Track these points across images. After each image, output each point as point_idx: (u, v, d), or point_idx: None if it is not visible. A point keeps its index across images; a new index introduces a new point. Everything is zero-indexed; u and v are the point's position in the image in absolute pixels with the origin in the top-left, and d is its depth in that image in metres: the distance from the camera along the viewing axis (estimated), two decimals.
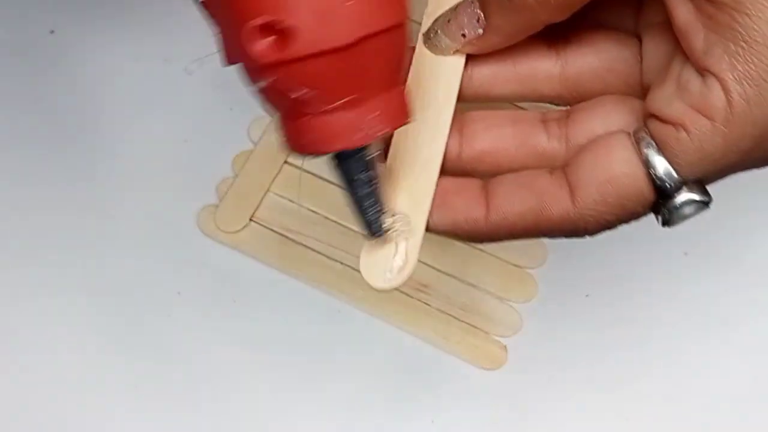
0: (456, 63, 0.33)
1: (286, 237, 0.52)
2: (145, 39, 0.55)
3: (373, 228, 0.32)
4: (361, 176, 0.31)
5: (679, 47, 0.30)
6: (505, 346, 0.51)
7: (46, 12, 0.55)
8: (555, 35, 0.33)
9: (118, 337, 0.51)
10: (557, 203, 0.30)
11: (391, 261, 0.32)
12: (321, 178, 0.53)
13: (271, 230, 0.52)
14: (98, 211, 0.52)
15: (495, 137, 0.33)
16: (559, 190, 0.30)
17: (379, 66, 0.29)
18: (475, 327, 0.51)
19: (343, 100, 0.28)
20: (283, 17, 0.27)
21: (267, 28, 0.27)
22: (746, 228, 0.52)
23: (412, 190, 0.32)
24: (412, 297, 0.51)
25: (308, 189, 0.53)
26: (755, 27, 0.27)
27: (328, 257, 0.52)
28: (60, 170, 0.53)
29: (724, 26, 0.27)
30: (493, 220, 0.31)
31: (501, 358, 0.51)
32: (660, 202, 0.30)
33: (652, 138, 0.29)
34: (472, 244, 0.52)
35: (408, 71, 0.34)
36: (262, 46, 0.28)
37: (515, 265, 0.52)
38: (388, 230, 0.32)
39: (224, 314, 0.51)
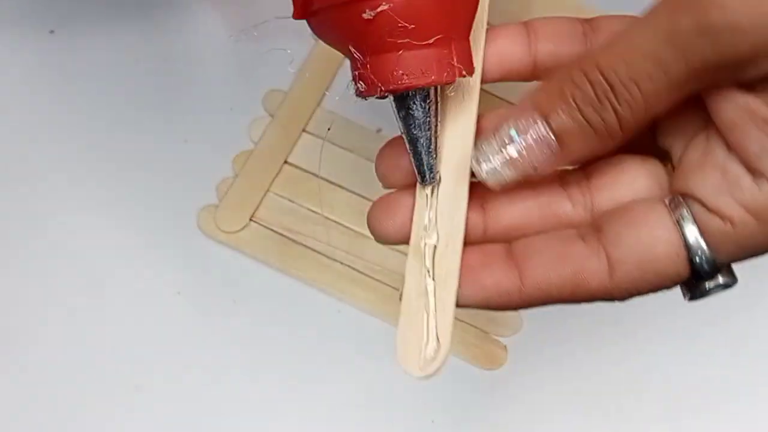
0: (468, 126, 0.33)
1: (286, 237, 0.52)
2: (145, 39, 0.55)
3: (429, 174, 0.32)
4: (427, 119, 0.31)
5: (710, 127, 0.30)
6: (505, 346, 0.51)
7: (46, 12, 0.55)
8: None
9: (119, 336, 0.51)
10: (595, 276, 0.30)
11: (424, 348, 0.31)
12: (321, 177, 0.53)
13: (271, 230, 0.52)
14: (98, 211, 0.52)
15: (519, 211, 0.32)
16: (597, 263, 0.30)
17: (466, 11, 0.31)
18: (475, 327, 0.51)
19: (436, 37, 0.30)
20: None
21: None
22: None
23: (437, 268, 0.32)
24: None
25: (308, 188, 0.53)
26: None
27: (328, 257, 0.52)
28: (59, 169, 0.53)
29: None
30: (528, 293, 0.30)
31: (501, 358, 0.51)
32: (692, 281, 0.30)
33: (696, 222, 0.30)
34: None
35: None
36: None
37: None
38: (437, 179, 0.32)
39: (224, 314, 0.51)
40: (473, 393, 0.50)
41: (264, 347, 0.51)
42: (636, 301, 0.54)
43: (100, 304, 0.51)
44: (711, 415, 0.50)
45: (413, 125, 0.31)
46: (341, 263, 0.52)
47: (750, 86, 0.28)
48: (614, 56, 0.29)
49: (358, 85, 0.31)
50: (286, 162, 0.53)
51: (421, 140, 0.31)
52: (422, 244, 0.32)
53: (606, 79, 0.28)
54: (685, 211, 0.30)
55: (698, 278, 0.30)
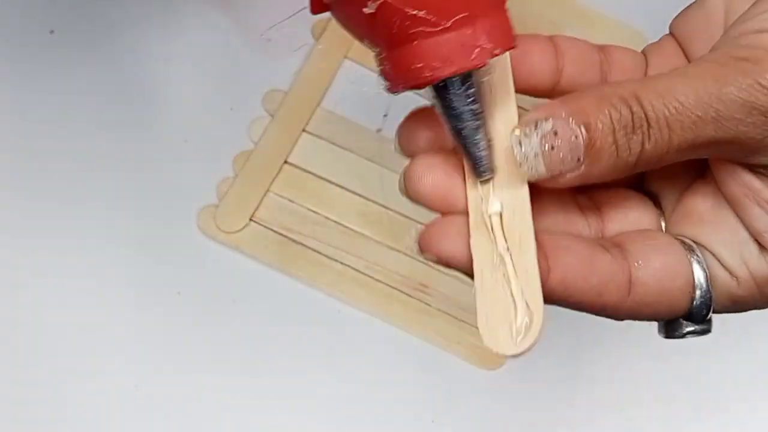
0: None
1: (286, 237, 0.52)
2: (145, 39, 0.55)
3: (482, 164, 0.30)
4: (469, 107, 0.29)
5: (709, 181, 0.31)
6: None
7: (46, 12, 0.55)
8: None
9: (119, 336, 0.51)
10: (615, 291, 0.30)
11: (514, 322, 0.29)
12: (321, 178, 0.53)
13: (271, 230, 0.52)
14: (98, 211, 0.52)
15: (544, 219, 0.32)
16: (621, 278, 0.30)
17: None
18: (475, 327, 0.51)
19: (454, 19, 0.27)
20: None
21: None
22: None
23: (509, 235, 0.30)
24: (412, 297, 0.51)
25: (308, 189, 0.53)
26: None
27: (328, 257, 0.52)
28: (60, 169, 0.53)
29: None
30: (552, 287, 0.30)
31: (501, 358, 0.51)
32: (676, 320, 0.31)
33: (706, 269, 0.31)
34: None
35: None
36: None
37: None
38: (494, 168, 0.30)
39: (224, 314, 0.51)
40: (473, 393, 0.50)
41: (264, 347, 0.51)
42: None
43: (100, 303, 0.51)
44: (711, 415, 0.50)
45: (451, 117, 0.29)
46: (341, 263, 0.52)
47: (754, 167, 0.29)
48: (655, 94, 0.29)
49: (384, 82, 0.29)
50: (286, 162, 0.53)
51: (464, 132, 0.30)
52: (485, 216, 0.30)
53: (644, 112, 0.28)
54: (698, 255, 0.31)
55: (687, 318, 0.31)
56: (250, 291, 0.52)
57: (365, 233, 0.52)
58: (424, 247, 0.30)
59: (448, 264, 0.30)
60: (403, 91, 0.29)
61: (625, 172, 0.30)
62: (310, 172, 0.53)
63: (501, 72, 0.31)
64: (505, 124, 0.30)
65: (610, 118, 0.29)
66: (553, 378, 0.51)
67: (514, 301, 0.29)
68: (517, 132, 0.28)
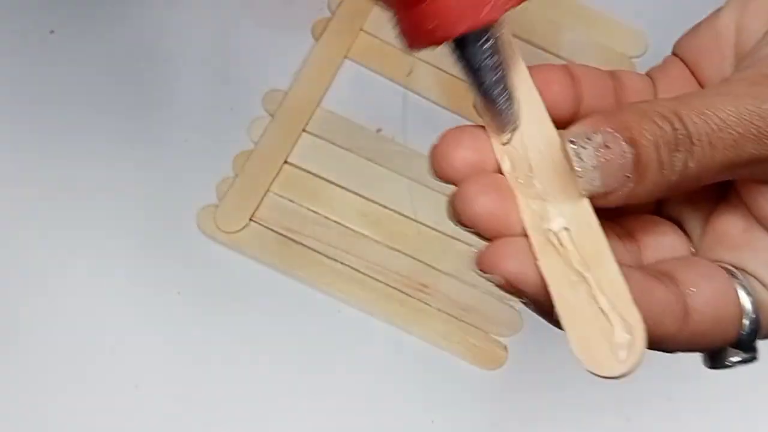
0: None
1: (286, 237, 0.52)
2: (146, 39, 0.55)
3: (504, 118, 0.30)
4: (488, 62, 0.29)
5: (736, 203, 0.31)
6: (505, 346, 0.51)
7: (46, 12, 0.55)
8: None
9: (119, 336, 0.51)
10: (673, 322, 0.29)
11: (613, 337, 0.27)
12: (321, 178, 0.53)
13: (271, 230, 0.52)
14: (98, 211, 0.52)
15: None
16: (678, 310, 0.29)
17: None
18: (475, 327, 0.51)
19: None
20: None
21: None
22: None
23: (581, 251, 0.28)
24: (412, 297, 0.51)
25: (308, 189, 0.53)
26: None
27: (328, 257, 0.52)
28: (60, 169, 0.53)
29: None
30: None
31: (501, 358, 0.51)
32: (723, 349, 0.31)
33: (751, 294, 0.30)
34: (473, 244, 0.52)
35: None
36: None
37: None
38: (517, 122, 0.29)
39: (224, 314, 0.51)
40: (473, 393, 0.50)
41: (264, 347, 0.51)
42: None
43: (100, 303, 0.51)
44: (712, 415, 0.50)
45: (471, 72, 0.29)
46: (341, 263, 0.52)
47: None
48: (695, 111, 0.28)
49: (402, 41, 0.28)
50: (286, 162, 0.53)
51: (486, 85, 0.29)
52: (549, 236, 0.28)
53: (687, 129, 0.28)
54: (741, 280, 0.30)
55: (735, 346, 0.30)
56: (250, 291, 0.52)
57: (365, 233, 0.52)
58: (487, 269, 0.28)
59: (516, 286, 0.28)
60: (421, 50, 0.28)
61: (664, 193, 0.29)
62: (310, 172, 0.53)
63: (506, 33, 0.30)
64: (520, 77, 0.30)
65: (654, 134, 0.28)
66: (553, 378, 0.51)
67: (606, 317, 0.27)
68: (573, 144, 0.27)
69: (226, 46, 0.55)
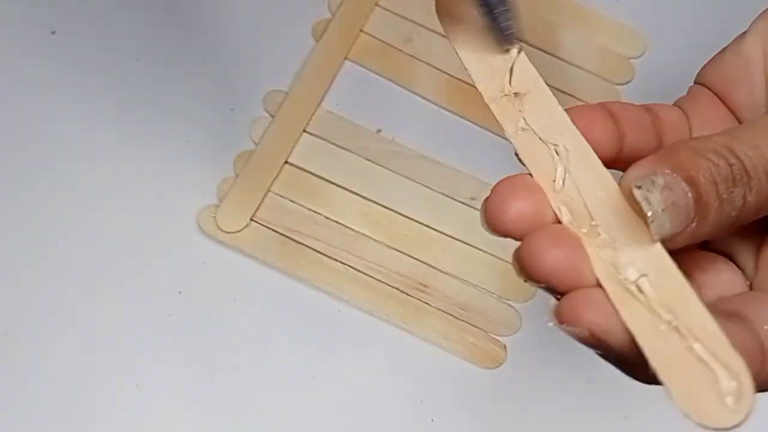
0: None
1: (287, 237, 0.52)
2: (146, 39, 0.55)
3: (506, 35, 0.30)
4: None
5: None
6: (505, 346, 0.51)
7: (47, 12, 0.55)
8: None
9: (119, 336, 0.51)
10: (752, 363, 0.27)
11: (719, 385, 0.26)
12: (321, 178, 0.53)
13: (272, 230, 0.52)
14: (98, 211, 0.52)
15: None
16: (755, 350, 0.28)
17: None
18: (475, 327, 0.51)
19: None
20: None
21: None
22: None
23: (661, 298, 0.27)
24: (412, 297, 0.51)
25: (309, 189, 0.53)
26: None
27: (328, 257, 0.52)
28: (60, 169, 0.53)
29: None
30: None
31: (501, 358, 0.51)
32: None
33: None
34: (472, 244, 0.52)
35: None
36: None
37: None
38: (519, 38, 0.29)
39: (224, 314, 0.51)
40: (473, 393, 0.50)
41: (264, 347, 0.51)
42: None
43: (101, 303, 0.51)
44: None
45: None
46: (341, 263, 0.52)
47: None
48: (747, 145, 0.28)
49: None
50: (286, 162, 0.53)
51: (494, 1, 0.29)
52: (627, 286, 0.27)
53: (742, 163, 0.27)
54: None
55: None
56: (251, 291, 0.52)
57: (365, 233, 0.52)
58: (569, 321, 0.27)
59: (602, 338, 0.27)
60: None
61: (726, 229, 0.28)
62: (310, 172, 0.53)
63: None
64: (562, 123, 0.29)
65: (711, 171, 0.27)
66: (553, 378, 0.51)
67: (707, 366, 0.26)
68: (640, 188, 0.27)
69: (226, 46, 0.55)
